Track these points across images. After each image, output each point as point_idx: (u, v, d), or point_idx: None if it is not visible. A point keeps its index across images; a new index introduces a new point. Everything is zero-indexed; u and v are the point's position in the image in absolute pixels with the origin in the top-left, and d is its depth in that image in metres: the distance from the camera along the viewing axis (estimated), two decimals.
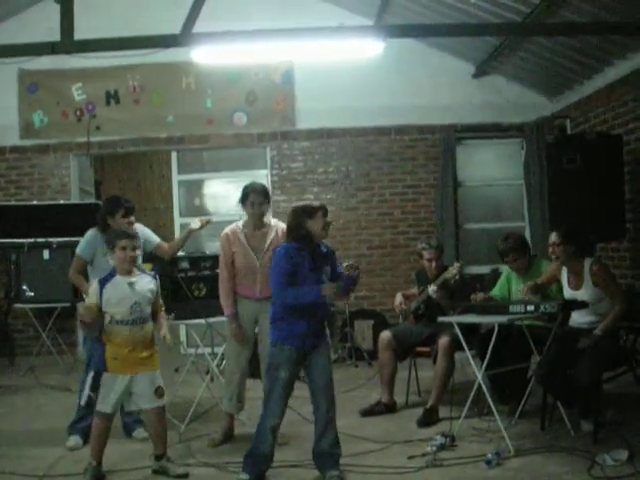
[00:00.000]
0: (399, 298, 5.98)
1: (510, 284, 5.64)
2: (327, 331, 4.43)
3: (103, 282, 4.25)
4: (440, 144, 8.59)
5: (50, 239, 7.83)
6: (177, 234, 8.63)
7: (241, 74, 8.45)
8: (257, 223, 4.96)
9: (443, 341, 5.42)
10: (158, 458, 4.38)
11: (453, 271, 5.54)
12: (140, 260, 4.74)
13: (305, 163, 8.76)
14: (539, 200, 8.15)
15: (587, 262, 4.96)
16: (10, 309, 8.19)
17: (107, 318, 4.21)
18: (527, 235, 8.52)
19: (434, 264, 5.83)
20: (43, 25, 5.98)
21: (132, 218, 5.07)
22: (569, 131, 8.15)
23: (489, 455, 4.32)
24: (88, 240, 5.07)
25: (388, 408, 5.64)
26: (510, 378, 5.18)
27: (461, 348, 5.04)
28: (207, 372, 6.27)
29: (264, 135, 8.70)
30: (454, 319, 5.12)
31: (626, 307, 4.84)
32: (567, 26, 5.96)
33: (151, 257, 5.52)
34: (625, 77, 6.78)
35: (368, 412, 5.58)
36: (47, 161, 8.67)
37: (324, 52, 5.80)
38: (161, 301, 4.49)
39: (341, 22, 5.91)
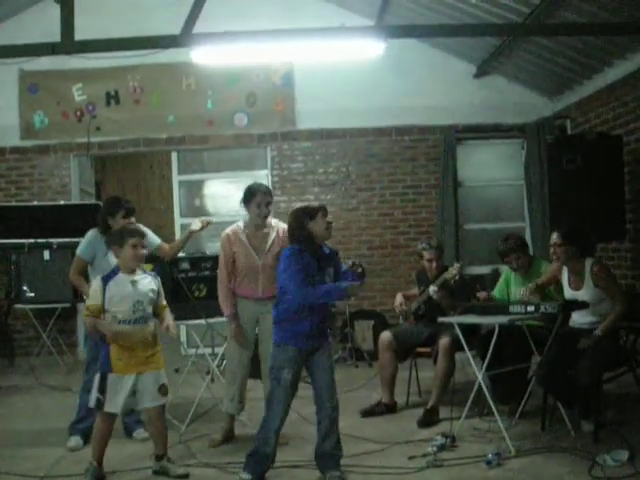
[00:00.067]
0: (399, 298, 5.98)
1: (509, 285, 5.64)
2: (329, 331, 4.43)
3: (106, 279, 4.25)
4: (441, 144, 8.59)
5: (50, 240, 7.83)
6: (177, 234, 8.65)
7: (241, 75, 8.45)
8: (261, 223, 4.95)
9: (443, 341, 5.42)
10: (158, 458, 4.39)
11: (453, 271, 5.54)
12: None
13: (305, 164, 8.76)
14: (539, 200, 8.15)
15: (588, 262, 4.96)
16: (10, 309, 8.20)
17: (109, 318, 4.21)
18: (527, 235, 8.53)
19: (434, 264, 5.83)
20: (43, 26, 5.98)
21: (133, 219, 5.07)
22: (569, 131, 8.15)
23: (489, 455, 4.32)
24: (88, 241, 5.07)
25: (388, 408, 5.64)
26: (510, 378, 5.18)
27: (461, 348, 5.03)
28: (207, 372, 6.27)
29: (264, 136, 8.70)
30: (454, 319, 5.12)
31: (626, 308, 4.84)
32: (567, 26, 5.96)
33: (151, 257, 5.52)
34: (625, 77, 6.78)
35: (368, 412, 5.58)
36: (47, 162, 8.67)
37: (325, 52, 5.79)
38: (164, 302, 4.48)
39: (342, 22, 5.92)
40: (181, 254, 5.75)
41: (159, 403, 4.32)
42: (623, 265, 7.06)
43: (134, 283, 4.28)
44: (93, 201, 8.97)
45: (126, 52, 5.21)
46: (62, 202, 8.42)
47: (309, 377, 4.34)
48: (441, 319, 5.25)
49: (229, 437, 5.04)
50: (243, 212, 5.11)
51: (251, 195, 4.91)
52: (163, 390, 4.31)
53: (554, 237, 5.06)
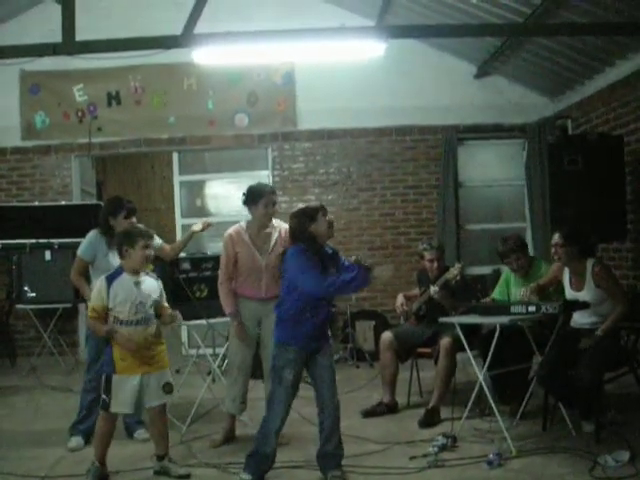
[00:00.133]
0: (400, 299, 5.98)
1: (509, 287, 5.63)
2: (329, 332, 4.43)
3: (110, 279, 4.24)
4: (441, 145, 8.59)
5: (52, 240, 7.84)
6: (178, 235, 8.66)
7: (242, 75, 8.46)
8: (266, 223, 4.96)
9: (444, 342, 5.42)
10: (160, 459, 4.39)
11: (454, 272, 5.54)
12: None
13: (306, 164, 8.76)
14: (540, 201, 8.15)
15: (589, 263, 4.96)
16: (12, 310, 8.20)
17: (110, 318, 4.21)
18: (528, 236, 8.54)
19: (435, 265, 5.83)
20: (44, 26, 5.99)
21: (134, 219, 5.08)
22: (570, 132, 8.14)
23: (490, 456, 4.32)
24: (89, 241, 5.08)
25: (390, 409, 5.64)
26: (512, 379, 5.19)
27: (463, 349, 5.03)
28: (208, 373, 6.28)
29: (265, 136, 8.70)
30: (455, 320, 5.12)
31: (627, 308, 4.84)
32: (568, 26, 5.96)
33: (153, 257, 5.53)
34: (626, 77, 6.78)
35: (370, 413, 5.58)
36: (49, 162, 8.68)
37: (325, 53, 5.79)
38: (166, 304, 4.48)
39: (342, 23, 5.93)
40: (182, 254, 5.76)
41: (163, 401, 4.32)
42: (624, 265, 7.06)
43: (137, 284, 4.27)
44: (94, 201, 8.96)
45: (127, 52, 5.21)
46: (63, 202, 8.43)
47: (310, 377, 4.34)
48: (442, 319, 5.25)
49: (230, 437, 5.04)
50: (244, 212, 5.12)
51: (259, 195, 4.91)
52: (167, 388, 4.31)
53: (555, 237, 5.05)
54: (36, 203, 8.34)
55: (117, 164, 11.90)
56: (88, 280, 5.06)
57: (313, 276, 4.06)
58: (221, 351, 6.38)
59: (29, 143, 8.63)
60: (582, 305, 4.86)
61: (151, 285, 4.36)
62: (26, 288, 7.82)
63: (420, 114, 8.55)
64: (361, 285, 4.04)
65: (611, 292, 4.88)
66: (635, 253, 6.90)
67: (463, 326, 5.00)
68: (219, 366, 6.13)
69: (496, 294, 5.68)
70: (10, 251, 7.90)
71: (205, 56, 5.59)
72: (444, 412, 5.28)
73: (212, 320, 5.49)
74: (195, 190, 9.23)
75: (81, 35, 4.80)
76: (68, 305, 7.86)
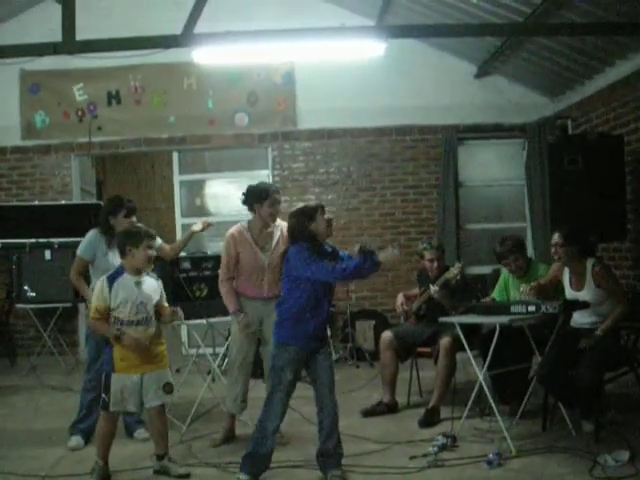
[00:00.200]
0: (400, 298, 5.98)
1: (507, 288, 5.64)
2: (329, 332, 4.43)
3: (111, 279, 4.23)
4: (441, 144, 8.59)
5: (52, 239, 7.85)
6: (178, 234, 8.66)
7: (242, 75, 8.46)
8: (270, 223, 4.96)
9: (444, 341, 5.42)
10: (159, 458, 4.39)
11: (454, 271, 5.54)
12: None
13: (306, 163, 8.77)
14: (540, 200, 8.15)
15: (589, 263, 4.96)
16: (11, 309, 8.21)
17: (111, 319, 4.20)
18: (528, 236, 8.54)
19: (435, 264, 5.83)
20: (45, 26, 5.99)
21: (134, 218, 5.08)
22: (570, 131, 8.15)
23: (490, 455, 4.32)
24: (89, 241, 5.07)
25: (389, 408, 5.64)
26: (511, 378, 5.18)
27: (462, 348, 5.03)
28: (208, 372, 6.27)
29: (265, 135, 8.70)
30: (455, 319, 5.12)
31: (627, 308, 4.85)
32: (568, 26, 5.96)
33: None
34: (626, 77, 6.78)
35: (369, 412, 5.59)
36: (49, 161, 8.68)
37: (325, 52, 5.80)
38: (166, 304, 4.48)
39: (342, 22, 5.92)
40: (182, 254, 5.76)
41: (163, 401, 4.32)
42: (624, 265, 7.06)
43: (138, 284, 4.27)
44: (94, 201, 8.98)
45: (127, 52, 5.22)
46: (63, 202, 8.43)
47: (309, 377, 4.34)
48: (442, 319, 5.25)
49: (230, 437, 5.04)
50: (244, 212, 5.12)
51: (265, 195, 4.91)
52: (167, 388, 4.30)
53: (555, 237, 5.05)
54: (36, 202, 8.34)
55: (117, 163, 11.90)
56: (88, 280, 5.06)
57: (323, 265, 4.07)
58: (221, 350, 6.39)
59: (29, 142, 8.63)
60: (582, 305, 4.86)
61: (151, 285, 4.35)
62: (26, 287, 7.83)
63: (420, 114, 8.55)
64: (370, 269, 4.00)
65: (611, 292, 4.88)
66: (635, 253, 6.90)
67: (463, 326, 5.00)
68: (219, 365, 6.13)
69: (496, 294, 5.69)
70: (10, 250, 7.91)
71: (205, 56, 5.60)
72: (444, 412, 5.28)
73: (212, 319, 5.49)
74: (195, 189, 9.23)
75: (81, 34, 4.80)
76: (68, 304, 7.87)
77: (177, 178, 9.06)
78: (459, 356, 5.47)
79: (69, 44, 4.76)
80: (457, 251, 8.33)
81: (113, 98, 8.58)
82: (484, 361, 4.96)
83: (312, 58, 6.96)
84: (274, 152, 8.76)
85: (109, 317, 4.20)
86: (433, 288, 5.59)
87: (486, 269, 8.25)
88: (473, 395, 4.95)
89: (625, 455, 4.19)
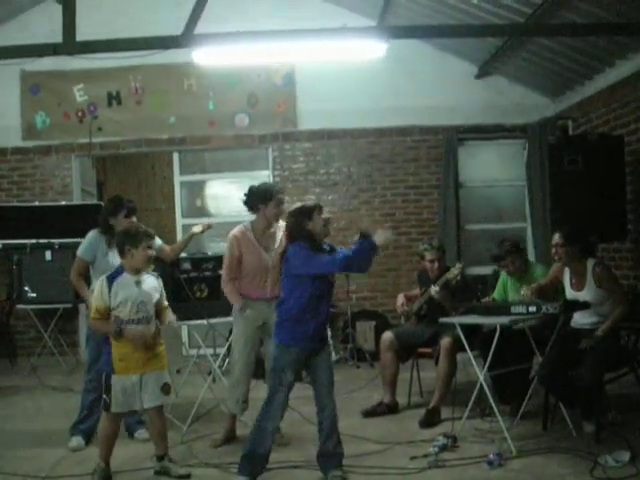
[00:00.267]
0: (401, 299, 5.98)
1: (506, 290, 5.64)
2: (329, 333, 4.43)
3: (111, 279, 4.23)
4: (442, 145, 8.59)
5: (52, 240, 7.85)
6: (179, 235, 8.66)
7: (242, 76, 8.46)
8: (273, 223, 4.96)
9: (445, 342, 5.42)
10: (160, 459, 4.39)
11: (455, 272, 5.54)
12: None
13: (307, 164, 8.76)
14: (541, 201, 8.15)
15: (590, 263, 4.96)
16: (12, 310, 8.21)
17: (112, 318, 4.20)
18: (529, 236, 8.55)
19: (436, 265, 5.82)
20: (45, 26, 6.00)
21: (134, 218, 5.08)
22: (571, 132, 8.15)
23: (491, 456, 4.32)
24: (89, 241, 5.08)
25: (390, 409, 5.64)
26: (512, 379, 5.18)
27: (463, 349, 5.03)
28: (209, 373, 6.27)
29: (265, 136, 8.70)
30: (456, 320, 5.12)
31: (628, 309, 4.85)
32: (569, 27, 5.97)
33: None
34: (626, 78, 6.78)
35: (370, 413, 5.58)
36: (49, 162, 8.68)
37: (326, 53, 5.80)
38: (166, 302, 4.49)
39: (343, 23, 5.92)
40: (183, 254, 5.76)
41: (161, 402, 4.32)
42: (624, 265, 7.06)
43: (138, 283, 4.27)
44: (95, 201, 8.97)
45: (127, 53, 5.22)
46: (64, 202, 8.43)
47: (309, 377, 4.33)
48: (443, 319, 5.25)
49: (231, 437, 5.04)
50: (245, 212, 5.11)
51: (270, 195, 4.90)
52: (165, 389, 4.30)
53: (555, 238, 5.05)
54: (36, 203, 8.35)
55: (117, 164, 11.89)
56: (88, 280, 5.06)
57: (324, 258, 4.11)
58: (222, 351, 6.38)
59: (29, 143, 8.63)
60: (582, 305, 4.86)
61: (152, 284, 4.36)
62: (26, 288, 7.83)
63: (421, 114, 8.55)
64: (369, 252, 4.02)
65: (612, 292, 4.88)
66: (635, 253, 6.89)
67: (463, 326, 5.00)
68: (220, 366, 6.13)
69: (496, 295, 5.69)
70: (10, 251, 7.91)
71: (205, 56, 5.60)
72: (444, 412, 5.28)
73: (213, 320, 5.49)
74: (195, 190, 9.23)
75: (81, 35, 4.80)
76: (68, 305, 7.87)
77: (177, 179, 9.06)
78: (460, 356, 5.47)
79: (69, 45, 4.76)
80: (458, 252, 8.32)
81: (113, 99, 8.59)
82: (485, 361, 4.96)
83: (313, 59, 6.96)
84: (274, 153, 8.76)
85: (109, 317, 4.20)
86: (434, 289, 5.59)
87: (486, 269, 8.20)
88: (474, 395, 4.95)
89: (626, 456, 4.19)
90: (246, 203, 5.00)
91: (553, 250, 5.08)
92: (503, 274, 5.69)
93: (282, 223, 4.97)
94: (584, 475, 4.06)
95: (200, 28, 4.98)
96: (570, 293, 5.04)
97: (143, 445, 4.89)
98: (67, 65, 7.87)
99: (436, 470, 4.30)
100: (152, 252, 4.35)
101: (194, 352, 6.17)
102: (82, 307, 8.12)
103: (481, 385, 4.85)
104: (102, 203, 7.34)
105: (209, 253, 6.68)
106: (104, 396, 4.20)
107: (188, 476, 4.34)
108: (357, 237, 4.09)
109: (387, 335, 5.80)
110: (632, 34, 5.63)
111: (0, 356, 8.16)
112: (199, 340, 5.69)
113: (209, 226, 5.57)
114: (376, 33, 5.53)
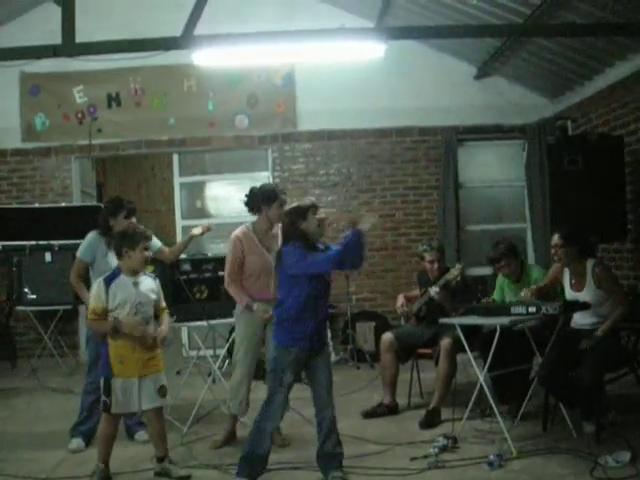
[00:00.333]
0: (401, 300, 5.98)
1: (504, 292, 5.64)
2: (328, 333, 4.42)
3: (108, 281, 4.23)
4: (441, 146, 8.60)
5: (52, 242, 7.85)
6: (179, 236, 8.66)
7: (242, 77, 8.46)
8: (276, 224, 4.96)
9: (445, 343, 5.42)
10: (160, 460, 4.39)
11: (455, 272, 5.54)
12: None
13: (306, 165, 8.77)
14: (541, 201, 8.15)
15: (589, 263, 4.96)
16: (12, 311, 8.20)
17: (110, 319, 4.20)
18: (529, 237, 8.55)
19: (436, 266, 5.82)
20: (44, 28, 5.99)
21: (134, 219, 5.08)
22: (570, 132, 8.15)
23: (491, 456, 4.32)
24: (89, 242, 5.08)
25: (390, 410, 5.64)
26: (512, 379, 5.18)
27: (463, 349, 5.03)
28: (209, 374, 6.27)
29: (265, 137, 8.71)
30: (456, 320, 5.12)
31: (628, 309, 4.85)
32: (568, 27, 5.97)
33: (152, 259, 5.52)
34: (626, 78, 6.78)
35: (370, 414, 5.58)
36: (49, 164, 8.69)
37: (325, 54, 5.80)
38: (164, 303, 4.49)
39: (342, 24, 5.93)
40: (182, 256, 5.76)
41: (158, 404, 4.32)
42: (624, 266, 7.06)
43: (136, 285, 4.27)
44: (94, 203, 8.97)
45: (127, 54, 5.21)
46: (63, 204, 8.43)
47: (307, 378, 4.33)
48: (442, 320, 5.25)
49: (231, 438, 5.03)
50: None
51: (274, 197, 4.91)
52: (162, 391, 4.31)
53: (554, 238, 5.05)
54: (36, 205, 8.35)
55: (117, 166, 11.90)
56: (88, 281, 5.06)
57: (318, 256, 4.11)
58: (221, 352, 6.38)
59: (29, 145, 8.63)
60: (582, 306, 4.86)
61: (149, 285, 4.36)
62: (26, 290, 7.83)
63: (420, 115, 8.56)
64: (357, 241, 4.04)
65: (611, 293, 4.88)
66: (635, 253, 6.89)
67: (463, 327, 5.00)
68: (219, 367, 6.13)
69: (495, 297, 5.69)
70: (10, 253, 7.91)
71: (205, 58, 5.59)
72: (445, 413, 5.28)
73: (212, 321, 5.48)
74: (195, 191, 9.23)
75: (81, 37, 4.80)
76: (68, 307, 7.86)
77: (177, 180, 9.06)
78: (460, 357, 5.47)
79: (69, 46, 4.76)
80: (457, 252, 8.33)
81: (113, 100, 8.59)
82: (485, 362, 4.96)
83: (312, 60, 6.96)
84: (274, 154, 8.77)
85: (106, 318, 4.20)
86: (433, 289, 5.59)
87: (486, 270, 8.13)
88: (474, 396, 4.95)
89: (626, 456, 4.19)
90: (248, 204, 5.00)
91: (552, 251, 5.08)
92: (500, 276, 5.69)
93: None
94: (584, 475, 4.06)
95: (199, 29, 4.98)
96: (570, 294, 5.04)
97: (143, 446, 4.89)
98: (67, 67, 7.83)
99: (436, 471, 4.29)
100: (149, 253, 4.35)
101: (194, 353, 6.17)
102: (82, 309, 8.11)
103: (481, 386, 4.85)
104: (102, 205, 7.33)
105: (209, 254, 6.68)
106: (104, 398, 4.20)
107: (188, 477, 4.34)
108: (344, 233, 4.12)
109: (387, 336, 5.80)
110: (631, 35, 5.64)
111: (0, 358, 8.16)
112: (199, 341, 5.69)
113: (208, 228, 5.56)
114: (375, 34, 5.53)
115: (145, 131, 8.63)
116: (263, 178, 8.59)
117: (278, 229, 4.98)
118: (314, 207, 4.23)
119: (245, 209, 5.06)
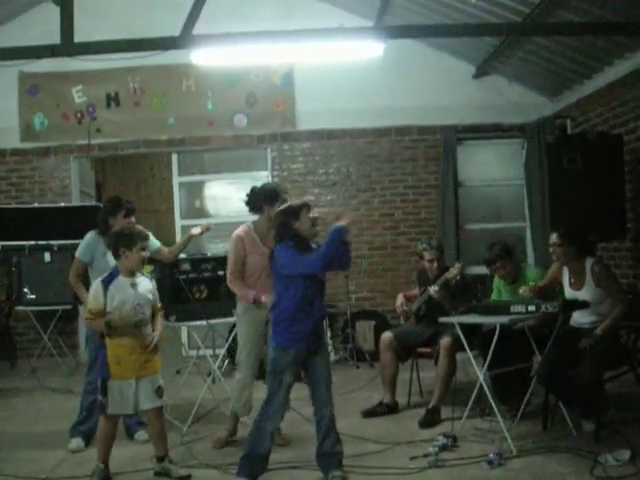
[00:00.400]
0: (400, 299, 5.98)
1: (501, 294, 5.64)
2: (328, 332, 4.42)
3: (106, 283, 4.23)
4: (441, 145, 8.60)
5: (51, 241, 7.84)
6: (178, 236, 8.65)
7: (241, 76, 8.46)
8: None
9: (444, 341, 5.42)
10: (160, 460, 4.39)
11: (454, 271, 5.54)
12: None
13: (306, 164, 8.77)
14: (540, 200, 8.15)
15: (588, 262, 4.96)
16: (11, 311, 8.20)
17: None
18: (528, 236, 8.55)
19: (435, 265, 5.83)
20: (43, 27, 5.99)
21: (133, 219, 5.08)
22: (570, 131, 8.14)
23: (491, 455, 4.32)
24: (87, 242, 5.08)
25: (390, 409, 5.64)
26: (512, 378, 5.18)
27: (463, 348, 5.03)
28: (209, 374, 6.27)
29: (264, 136, 8.70)
30: (455, 319, 5.12)
31: (627, 308, 4.85)
32: (567, 26, 5.96)
33: (151, 259, 5.52)
34: (625, 77, 6.78)
35: (370, 413, 5.58)
36: (48, 164, 8.68)
37: (324, 53, 5.80)
38: (159, 304, 4.48)
39: (341, 23, 5.91)
40: (182, 255, 5.75)
41: (156, 405, 4.31)
42: (624, 264, 7.06)
43: (134, 286, 4.27)
44: (93, 203, 8.97)
45: (126, 54, 5.21)
46: (62, 204, 8.43)
47: (306, 377, 4.32)
48: (442, 319, 5.25)
49: (233, 438, 5.03)
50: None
51: (277, 196, 4.90)
52: (159, 392, 4.31)
53: (553, 237, 5.05)
54: (35, 205, 8.34)
55: (116, 165, 11.90)
56: (88, 281, 5.05)
57: (308, 257, 4.11)
58: (221, 352, 6.38)
59: (28, 145, 8.63)
60: (582, 304, 4.86)
61: (146, 286, 4.36)
62: (26, 290, 7.83)
63: (419, 114, 8.55)
64: (339, 239, 4.03)
65: (611, 291, 4.88)
66: (635, 252, 6.90)
67: (463, 326, 5.00)
68: (219, 367, 6.13)
69: (494, 297, 5.69)
70: (10, 253, 7.91)
71: (204, 57, 5.59)
72: (444, 412, 5.28)
73: (212, 321, 5.48)
74: (194, 191, 9.23)
75: (80, 36, 4.80)
76: (68, 307, 7.85)
77: (176, 180, 9.06)
78: (459, 356, 5.47)
79: (67, 46, 4.75)
80: (457, 251, 8.33)
81: (112, 100, 8.58)
82: (484, 361, 4.96)
83: (311, 59, 6.96)
84: (273, 153, 8.76)
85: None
86: (433, 288, 5.59)
87: (486, 269, 8.21)
88: (473, 395, 4.95)
89: (626, 454, 4.19)
90: (249, 203, 4.99)
91: (551, 250, 5.08)
92: (496, 278, 5.69)
93: None
94: (584, 474, 4.07)
95: (198, 29, 4.98)
96: (569, 292, 5.05)
97: (143, 446, 4.89)
98: (65, 66, 7.85)
99: (436, 470, 4.30)
100: (146, 253, 4.34)
101: (193, 353, 6.17)
102: (81, 308, 8.08)
103: (481, 385, 4.85)
104: (101, 204, 7.33)
105: (208, 254, 6.67)
106: (100, 398, 4.20)
107: (188, 477, 4.34)
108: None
109: (386, 335, 5.80)
110: (630, 33, 5.63)
111: (0, 358, 8.16)
112: (198, 341, 5.69)
113: (208, 228, 5.55)
114: (374, 33, 5.53)
115: (144, 131, 8.62)
116: (262, 177, 8.59)
117: None
118: (307, 206, 4.22)
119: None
